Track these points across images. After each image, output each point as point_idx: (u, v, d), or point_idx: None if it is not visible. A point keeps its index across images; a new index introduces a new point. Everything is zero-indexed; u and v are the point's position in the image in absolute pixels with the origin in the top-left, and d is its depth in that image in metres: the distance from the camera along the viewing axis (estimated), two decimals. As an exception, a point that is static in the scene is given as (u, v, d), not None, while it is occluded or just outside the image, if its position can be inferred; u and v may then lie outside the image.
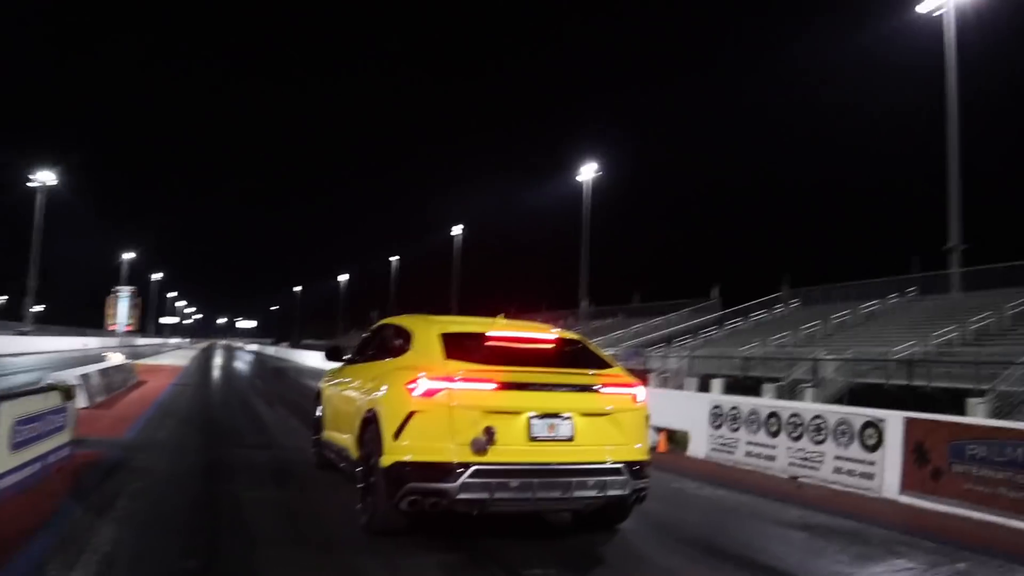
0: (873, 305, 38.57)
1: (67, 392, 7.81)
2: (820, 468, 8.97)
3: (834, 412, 9.01)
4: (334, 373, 8.64)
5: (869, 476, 8.35)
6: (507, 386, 5.53)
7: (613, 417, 5.82)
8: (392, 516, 5.67)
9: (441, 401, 5.43)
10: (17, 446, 6.39)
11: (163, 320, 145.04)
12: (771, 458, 9.60)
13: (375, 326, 8.40)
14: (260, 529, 5.82)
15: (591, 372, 6.02)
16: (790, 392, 25.29)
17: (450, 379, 5.48)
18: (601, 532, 6.37)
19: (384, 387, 6.12)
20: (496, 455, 5.36)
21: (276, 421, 13.51)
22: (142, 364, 27.15)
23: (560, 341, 6.47)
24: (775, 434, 9.65)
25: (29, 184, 50.28)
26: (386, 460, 5.59)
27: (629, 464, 5.77)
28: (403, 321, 7.16)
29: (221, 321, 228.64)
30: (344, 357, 8.59)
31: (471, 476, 5.29)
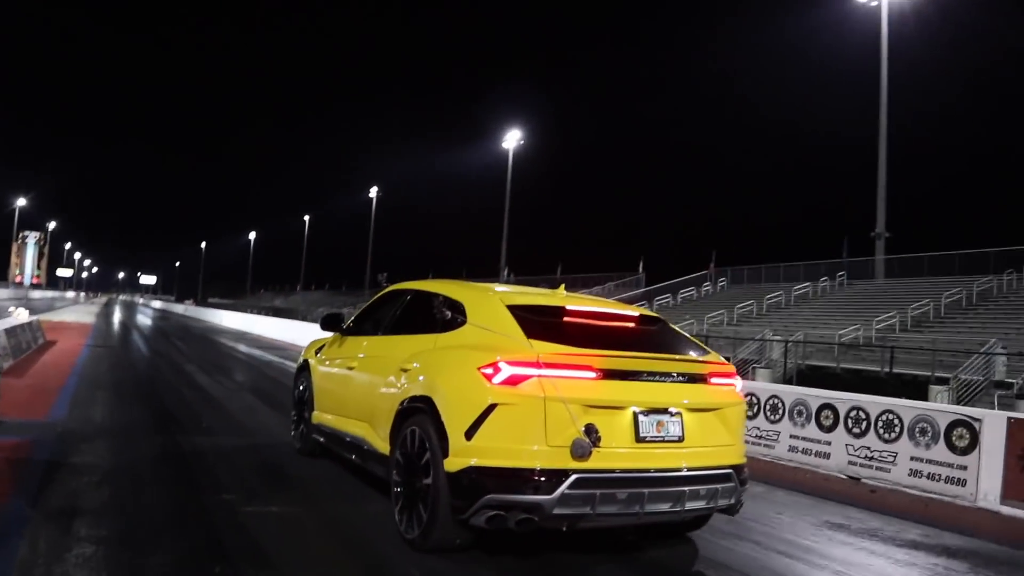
0: (805, 287, 38.90)
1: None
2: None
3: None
4: (331, 345, 7.15)
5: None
6: (610, 374, 4.48)
7: (721, 413, 4.88)
8: (455, 531, 4.53)
9: (531, 392, 4.32)
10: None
11: (60, 272, 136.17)
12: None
13: (388, 291, 6.92)
14: (289, 564, 4.24)
15: (697, 359, 5.01)
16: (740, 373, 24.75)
17: (539, 364, 4.36)
18: (672, 538, 5.31)
19: (441, 370, 4.89)
20: (600, 460, 4.31)
21: (227, 396, 11.59)
22: (45, 321, 24.28)
23: (644, 319, 5.38)
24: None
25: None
26: (454, 464, 4.44)
27: (737, 468, 4.87)
28: (442, 288, 5.81)
29: (121, 275, 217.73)
30: (343, 326, 7.10)
31: (572, 487, 4.22)
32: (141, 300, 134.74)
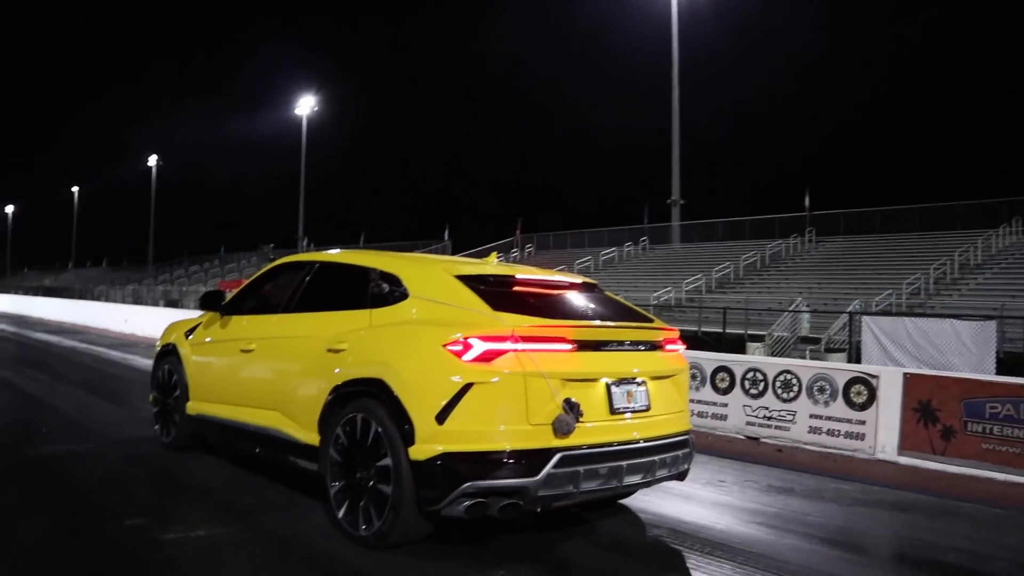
0: (611, 252, 40.51)
1: None
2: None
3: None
4: (209, 326, 6.27)
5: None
6: (584, 345, 4.27)
7: (675, 379, 4.83)
8: (418, 524, 4.17)
9: (508, 368, 4.02)
10: None
11: None
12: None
13: (281, 264, 6.15)
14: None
15: (654, 326, 4.89)
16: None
17: (514, 338, 4.06)
18: (609, 507, 5.24)
19: (393, 349, 4.40)
20: (580, 436, 4.10)
21: (49, 393, 9.74)
22: None
23: (586, 286, 5.19)
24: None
25: None
26: (422, 452, 4.03)
27: (689, 434, 4.92)
28: (363, 259, 5.29)
29: None
30: (222, 304, 6.18)
31: (557, 466, 3.99)
32: None
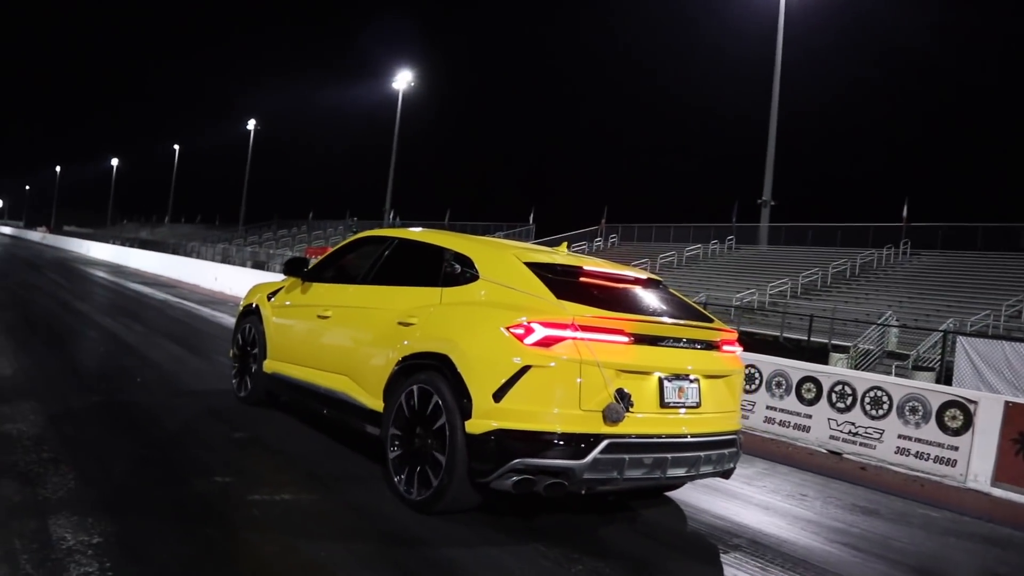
0: (696, 248, 39.80)
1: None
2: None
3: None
4: (290, 290, 6.58)
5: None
6: (640, 339, 4.40)
7: (729, 380, 4.92)
8: (468, 495, 4.40)
9: (566, 355, 4.19)
10: None
11: None
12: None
13: (363, 237, 6.43)
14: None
15: (712, 326, 4.99)
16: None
17: (573, 327, 4.25)
18: (651, 498, 5.37)
19: (459, 327, 4.64)
20: (629, 425, 4.24)
21: (143, 343, 10.21)
22: None
23: (650, 282, 5.29)
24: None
25: None
26: (478, 426, 4.25)
27: (738, 434, 4.94)
28: (440, 239, 5.50)
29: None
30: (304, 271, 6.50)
31: (603, 451, 4.15)
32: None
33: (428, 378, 4.59)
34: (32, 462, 4.56)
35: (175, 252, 49.29)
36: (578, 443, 4.13)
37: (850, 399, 8.06)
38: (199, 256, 51.03)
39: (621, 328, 4.36)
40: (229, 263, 40.54)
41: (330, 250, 6.72)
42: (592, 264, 5.10)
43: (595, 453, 4.12)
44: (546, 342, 4.22)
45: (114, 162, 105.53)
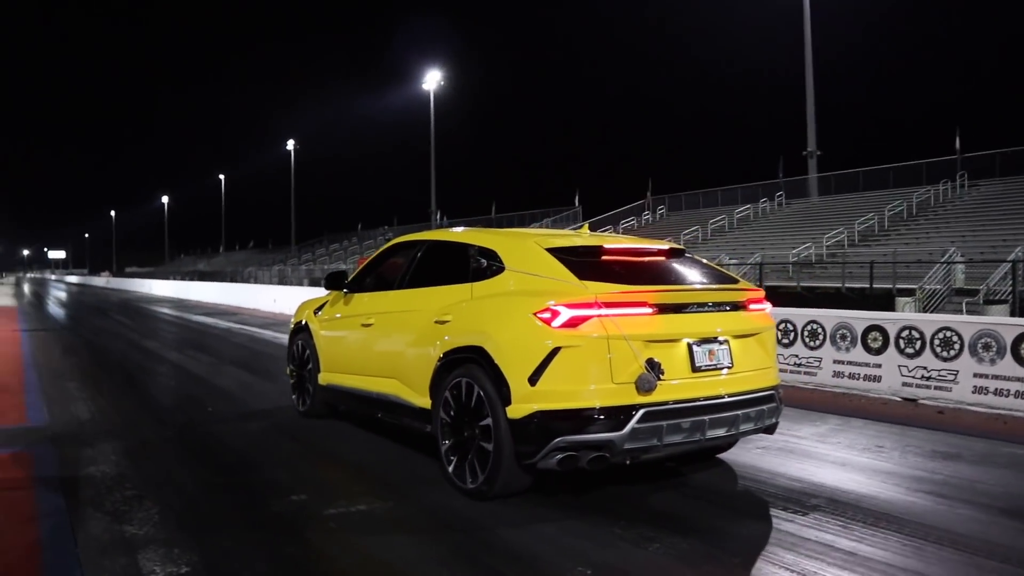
0: (746, 209, 39.13)
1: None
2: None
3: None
4: (335, 304, 6.86)
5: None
6: (664, 308, 4.56)
7: (760, 337, 5.03)
8: (518, 478, 4.61)
9: (593, 332, 4.36)
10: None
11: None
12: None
13: (394, 244, 6.67)
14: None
15: (736, 287, 5.13)
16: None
17: (598, 305, 4.41)
18: (704, 462, 5.52)
19: (491, 319, 4.86)
20: (663, 393, 4.39)
21: (210, 372, 10.52)
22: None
23: (673, 252, 5.42)
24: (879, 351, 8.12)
25: None
26: (518, 411, 4.45)
27: (776, 389, 5.05)
28: (465, 236, 5.72)
29: (26, 253, 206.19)
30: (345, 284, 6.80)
31: (640, 421, 4.31)
32: (53, 276, 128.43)
33: (468, 371, 4.82)
34: (117, 500, 4.72)
35: (233, 280, 50.45)
36: (615, 415, 4.29)
37: (919, 343, 7.85)
38: (256, 280, 52.12)
39: (644, 300, 4.51)
40: (286, 283, 41.33)
41: (366, 261, 6.87)
42: (612, 242, 5.33)
43: (633, 423, 4.28)
44: (573, 323, 4.39)
45: (164, 200, 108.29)
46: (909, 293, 20.25)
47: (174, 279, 55.69)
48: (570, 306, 4.41)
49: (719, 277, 5.20)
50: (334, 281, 6.87)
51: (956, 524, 4.29)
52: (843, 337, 8.51)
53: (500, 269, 5.04)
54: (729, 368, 4.74)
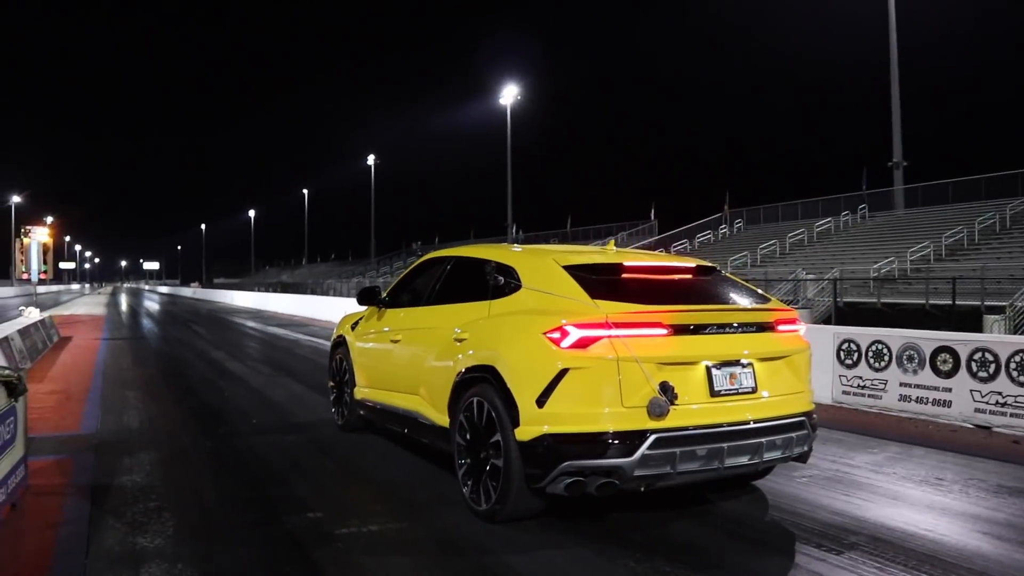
0: (827, 222, 37.84)
1: (13, 384, 4.89)
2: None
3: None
4: (369, 319, 6.87)
5: None
6: (680, 330, 4.33)
7: (790, 360, 4.74)
8: (528, 501, 4.45)
9: (602, 354, 4.18)
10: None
11: (63, 265, 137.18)
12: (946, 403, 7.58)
13: (425, 260, 6.59)
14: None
15: (762, 307, 4.85)
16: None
17: (608, 325, 4.22)
18: (739, 490, 5.00)
19: (502, 338, 4.73)
20: (677, 418, 4.17)
21: (266, 384, 10.64)
22: (56, 316, 23.47)
23: (701, 269, 5.23)
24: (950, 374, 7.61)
25: None
26: (526, 433, 4.31)
27: (808, 415, 4.73)
28: (488, 252, 5.60)
29: (123, 264, 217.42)
30: (378, 299, 6.77)
31: (651, 447, 4.10)
32: (147, 287, 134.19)
33: (481, 390, 4.71)
34: (138, 512, 4.75)
35: (313, 292, 51.55)
36: (624, 441, 4.10)
37: (992, 367, 7.32)
38: (336, 293, 53.16)
39: (659, 321, 4.29)
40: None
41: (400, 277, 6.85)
42: (635, 259, 5.12)
43: (643, 449, 4.08)
44: (582, 343, 4.22)
45: (251, 213, 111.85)
46: (999, 311, 19.15)
47: (257, 290, 57.33)
48: (579, 326, 4.25)
49: (746, 296, 4.95)
50: (367, 297, 6.84)
51: (1012, 572, 3.90)
52: (910, 359, 8.01)
53: (517, 287, 4.92)
54: (752, 392, 4.48)
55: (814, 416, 4.80)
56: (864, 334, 8.56)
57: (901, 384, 8.10)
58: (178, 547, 4.15)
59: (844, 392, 8.64)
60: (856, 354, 8.53)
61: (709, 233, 45.46)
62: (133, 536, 4.31)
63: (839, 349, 8.69)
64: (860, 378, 8.48)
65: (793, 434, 4.55)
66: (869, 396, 8.38)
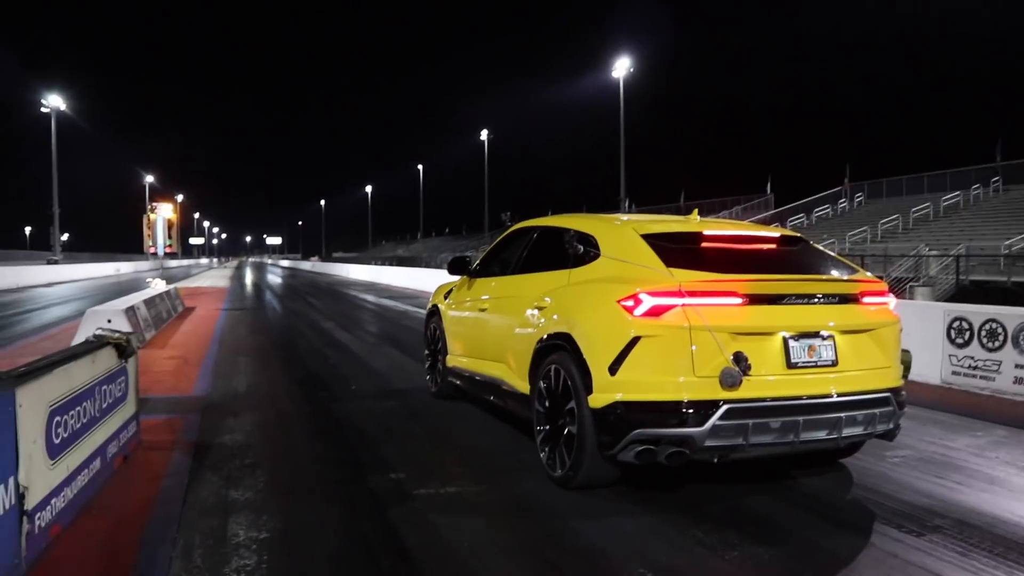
0: (955, 196, 35.67)
1: (123, 346, 5.33)
2: None
3: None
4: (460, 288, 7.09)
5: None
6: (756, 299, 4.24)
7: (876, 334, 4.55)
8: (601, 468, 4.46)
9: (675, 322, 4.15)
10: (58, 449, 3.80)
11: (192, 241, 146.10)
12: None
13: (514, 230, 6.71)
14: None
15: (846, 278, 4.68)
16: (895, 292, 22.87)
17: (681, 294, 4.18)
18: (825, 466, 5.03)
19: (578, 306, 4.77)
20: (750, 389, 4.09)
21: (370, 352, 11.04)
22: (183, 288, 24.99)
23: (785, 239, 5.08)
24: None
25: (43, 110, 47.19)
26: (599, 400, 4.33)
27: (895, 391, 4.54)
28: (571, 222, 5.63)
29: (248, 239, 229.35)
30: (470, 269, 6.98)
31: (723, 417, 4.05)
32: (269, 260, 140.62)
33: (559, 357, 4.76)
34: (234, 468, 5.08)
35: (427, 265, 52.73)
36: (696, 410, 4.07)
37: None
38: (447, 266, 54.07)
39: (734, 290, 4.22)
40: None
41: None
42: (715, 227, 5.07)
43: (714, 420, 4.03)
44: (655, 311, 4.20)
45: (368, 189, 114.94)
46: None
47: (373, 264, 59.09)
48: (653, 294, 4.22)
49: (831, 267, 4.81)
50: (458, 267, 7.05)
51: (1109, 562, 3.67)
52: (1027, 339, 7.54)
53: (596, 255, 4.95)
54: (832, 365, 4.35)
55: (902, 393, 4.63)
56: (977, 312, 8.11)
57: (1017, 366, 7.65)
58: (266, 500, 4.43)
59: (954, 372, 8.22)
60: (968, 333, 8.09)
61: (827, 207, 43.69)
62: (227, 489, 4.63)
63: (949, 327, 8.26)
64: (971, 358, 8.05)
65: (876, 410, 4.39)
66: (981, 377, 7.95)
